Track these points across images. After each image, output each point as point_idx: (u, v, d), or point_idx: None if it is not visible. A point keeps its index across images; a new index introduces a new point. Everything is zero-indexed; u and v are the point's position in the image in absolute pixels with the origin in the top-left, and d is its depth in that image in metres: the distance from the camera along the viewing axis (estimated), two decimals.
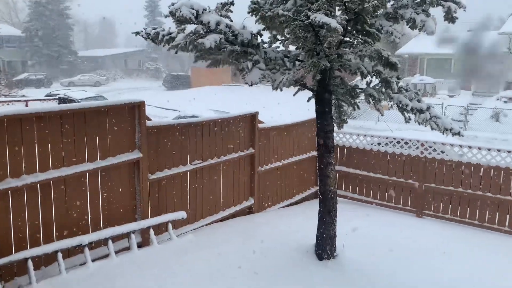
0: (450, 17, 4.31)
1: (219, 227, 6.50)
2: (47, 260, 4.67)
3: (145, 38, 4.95)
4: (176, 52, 4.88)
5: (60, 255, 4.57)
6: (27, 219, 4.47)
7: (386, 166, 8.28)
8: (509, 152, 7.15)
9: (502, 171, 7.14)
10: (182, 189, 6.11)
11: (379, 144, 8.49)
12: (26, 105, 18.73)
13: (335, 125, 5.31)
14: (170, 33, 4.82)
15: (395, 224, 7.35)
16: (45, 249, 4.48)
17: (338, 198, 5.67)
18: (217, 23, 4.27)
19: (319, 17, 3.71)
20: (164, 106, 26.69)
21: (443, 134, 4.82)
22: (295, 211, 7.81)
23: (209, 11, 4.36)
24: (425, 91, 27.39)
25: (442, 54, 30.96)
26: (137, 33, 4.99)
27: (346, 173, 8.73)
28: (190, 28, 4.64)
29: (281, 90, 4.67)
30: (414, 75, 30.36)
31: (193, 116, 11.11)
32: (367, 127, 20.53)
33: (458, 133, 4.82)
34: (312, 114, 6.01)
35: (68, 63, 54.26)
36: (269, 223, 6.82)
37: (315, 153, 8.52)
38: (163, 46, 4.92)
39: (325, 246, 5.45)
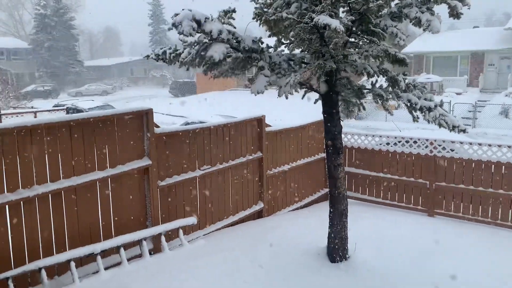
0: (455, 14, 4.28)
1: (230, 232, 6.50)
2: (60, 269, 4.70)
3: (156, 60, 5.05)
4: (187, 69, 4.96)
5: (73, 264, 4.59)
6: (39, 229, 4.50)
7: (395, 166, 8.23)
8: None
9: None
10: (191, 195, 6.13)
11: (387, 144, 8.45)
12: (35, 116, 18.91)
13: (344, 116, 5.29)
14: (176, 50, 4.89)
15: (406, 224, 7.29)
16: (57, 258, 4.50)
17: (348, 199, 5.65)
18: (220, 32, 4.29)
19: (322, 19, 3.71)
20: (171, 113, 26.80)
21: (450, 131, 4.78)
22: (305, 214, 7.79)
23: (212, 20, 4.37)
24: (432, 89, 27.23)
25: (448, 52, 30.78)
26: (147, 56, 5.14)
27: (355, 174, 8.70)
28: (192, 38, 4.68)
29: (286, 98, 4.66)
30: (421, 74, 30.19)
31: (200, 122, 11.13)
32: (375, 127, 20.44)
33: (464, 130, 4.78)
34: (320, 116, 6.00)
35: (75, 73, 54.80)
36: (279, 227, 6.80)
37: (323, 155, 8.50)
38: (173, 64, 4.99)
39: (337, 248, 5.42)
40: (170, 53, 4.78)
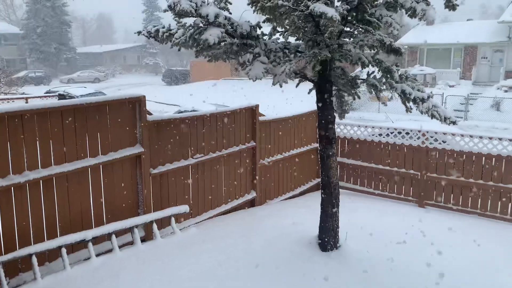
0: (451, 5, 4.27)
1: (222, 220, 6.51)
2: (51, 255, 4.69)
3: (148, 37, 4.94)
4: (179, 49, 4.87)
5: (64, 250, 4.58)
6: (30, 215, 4.48)
7: (387, 156, 8.28)
8: (510, 140, 7.15)
9: (504, 160, 7.14)
10: (184, 183, 6.12)
11: (380, 135, 8.48)
12: (26, 102, 18.71)
13: (336, 115, 5.30)
14: (170, 30, 4.81)
15: (397, 214, 7.36)
16: (48, 244, 4.49)
17: (340, 189, 5.67)
18: (216, 16, 4.25)
19: (318, 7, 3.69)
20: (164, 102, 26.68)
21: (442, 123, 4.81)
22: (298, 203, 7.82)
23: (208, 4, 4.33)
24: (425, 81, 27.31)
25: (442, 44, 30.84)
26: (139, 32, 5.01)
27: (347, 164, 8.73)
28: (188, 21, 4.62)
29: (280, 86, 4.64)
30: (414, 66, 30.25)
31: (193, 111, 11.08)
32: (368, 118, 20.50)
33: (454, 122, 4.82)
34: (314, 106, 5.99)
35: (67, 60, 54.22)
36: (271, 216, 6.83)
37: (316, 145, 8.51)
38: (165, 43, 4.90)
39: (328, 237, 5.46)
40: (164, 32, 4.69)
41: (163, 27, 4.85)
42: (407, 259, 5.48)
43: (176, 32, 4.67)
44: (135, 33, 5.17)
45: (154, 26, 4.97)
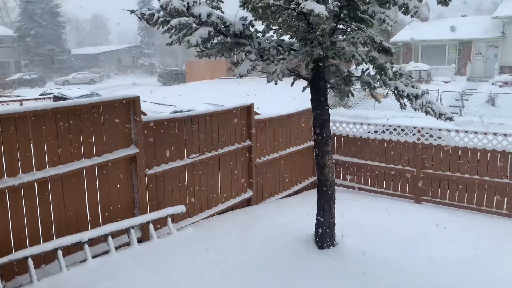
0: (443, 0, 4.28)
1: (219, 220, 6.51)
2: (47, 258, 4.67)
3: (140, 18, 4.78)
4: (172, 44, 4.84)
5: (60, 252, 4.57)
6: (25, 218, 4.46)
7: (383, 153, 8.29)
8: (505, 135, 7.18)
9: (499, 155, 7.17)
10: (180, 183, 6.11)
11: (375, 132, 8.50)
12: (21, 105, 18.63)
13: (337, 100, 5.29)
14: (165, 16, 4.69)
15: (394, 210, 7.37)
16: (44, 247, 4.47)
17: (336, 187, 5.68)
18: (209, 15, 4.24)
19: (308, 4, 3.69)
20: (160, 102, 26.63)
21: (437, 119, 4.82)
22: (294, 202, 7.83)
23: (200, 3, 4.32)
24: (420, 77, 27.37)
25: (437, 40, 30.91)
26: (131, 11, 4.81)
27: (344, 161, 8.75)
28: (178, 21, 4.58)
29: (275, 83, 4.64)
30: (409, 62, 30.31)
31: (189, 111, 11.07)
32: (364, 115, 20.52)
33: (450, 118, 4.82)
34: (309, 104, 5.99)
35: (62, 61, 53.97)
36: (268, 214, 6.83)
37: (312, 143, 8.51)
38: (157, 28, 4.75)
39: (324, 235, 5.46)
40: (159, 17, 4.54)
41: (159, 12, 4.66)
42: (403, 255, 5.49)
43: (171, 20, 4.53)
44: (127, 10, 4.89)
45: (149, 10, 4.76)
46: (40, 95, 23.54)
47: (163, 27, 4.55)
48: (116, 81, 50.11)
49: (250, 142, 7.16)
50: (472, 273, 5.13)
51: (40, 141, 4.51)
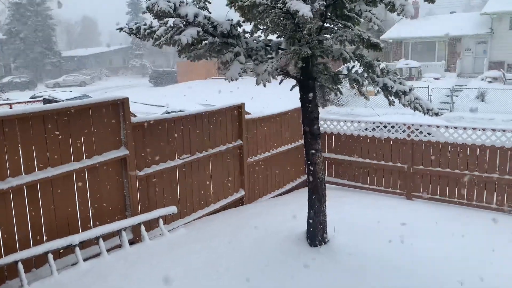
0: None
1: (211, 220, 6.51)
2: (38, 262, 4.65)
3: (129, 34, 4.93)
4: (160, 47, 4.86)
5: (50, 256, 4.55)
6: (15, 222, 4.43)
7: (374, 150, 8.34)
8: (493, 130, 7.24)
9: (488, 150, 7.23)
10: (171, 184, 6.10)
11: (366, 129, 8.54)
12: (10, 108, 18.47)
13: (320, 105, 5.33)
14: (152, 27, 4.79)
15: (385, 207, 7.42)
16: (35, 251, 4.45)
17: (328, 184, 5.71)
18: (195, 15, 4.24)
19: (294, 4, 3.70)
20: (151, 103, 26.54)
21: (425, 114, 4.86)
22: (286, 200, 7.85)
23: (187, 4, 4.32)
24: (411, 74, 27.52)
25: (426, 37, 31.10)
26: (120, 29, 4.99)
27: (335, 159, 8.78)
28: (170, 21, 4.61)
29: (264, 85, 4.64)
30: (400, 60, 30.47)
31: (180, 111, 11.05)
32: (355, 113, 20.60)
33: (437, 114, 4.87)
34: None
35: (52, 64, 53.58)
36: (260, 214, 6.84)
37: (303, 141, 8.54)
38: (147, 40, 4.90)
39: (316, 233, 5.49)
40: (145, 29, 4.69)
41: (145, 24, 4.85)
42: (395, 251, 5.53)
43: (158, 30, 4.65)
44: (116, 29, 5.15)
45: (136, 23, 4.95)
46: (30, 98, 23.39)
47: (152, 39, 4.60)
48: (107, 82, 49.87)
49: (241, 142, 7.17)
50: (465, 269, 5.17)
51: (29, 145, 4.49)
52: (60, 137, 4.73)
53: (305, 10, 3.62)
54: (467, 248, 5.68)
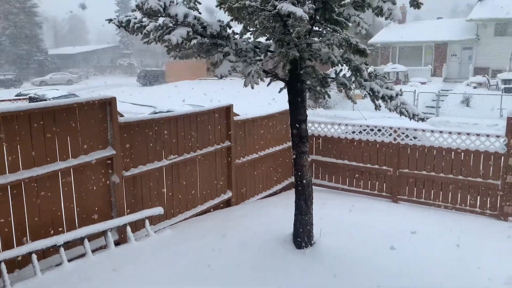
0: (415, 3, 4.38)
1: (198, 221, 6.49)
2: (22, 262, 4.58)
3: (118, 26, 4.85)
4: (149, 43, 4.82)
5: (34, 256, 4.49)
6: None
7: (360, 153, 8.40)
8: (477, 135, 7.36)
9: (472, 154, 7.34)
10: (158, 185, 6.07)
11: (353, 132, 8.60)
12: None
13: (312, 101, 5.35)
14: (141, 21, 4.74)
15: (371, 210, 7.48)
16: (18, 251, 4.39)
17: (314, 187, 5.73)
18: (185, 15, 4.24)
19: (286, 6, 3.73)
20: (139, 103, 26.37)
21: (410, 120, 4.92)
22: (274, 202, 7.86)
23: (177, 3, 4.31)
24: (397, 79, 27.81)
25: (413, 42, 31.48)
26: (110, 20, 4.88)
27: (322, 162, 8.83)
28: (160, 20, 4.59)
29: (252, 87, 4.64)
30: (387, 64, 30.78)
31: (168, 111, 11.01)
32: (343, 116, 20.73)
33: (423, 119, 4.94)
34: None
35: (39, 62, 52.94)
36: (247, 215, 6.85)
37: (291, 143, 8.57)
38: (136, 35, 4.84)
39: (302, 235, 5.51)
40: (135, 23, 4.62)
41: (135, 18, 4.76)
42: (381, 254, 5.58)
43: (148, 25, 4.60)
44: (106, 20, 4.96)
45: (126, 16, 4.86)
46: (15, 96, 23.07)
47: (141, 33, 4.56)
48: (94, 81, 49.40)
49: (229, 143, 7.17)
50: (450, 271, 5.24)
51: (13, 144, 4.43)
52: (45, 136, 4.68)
53: (301, 12, 3.65)
54: (453, 251, 5.75)
